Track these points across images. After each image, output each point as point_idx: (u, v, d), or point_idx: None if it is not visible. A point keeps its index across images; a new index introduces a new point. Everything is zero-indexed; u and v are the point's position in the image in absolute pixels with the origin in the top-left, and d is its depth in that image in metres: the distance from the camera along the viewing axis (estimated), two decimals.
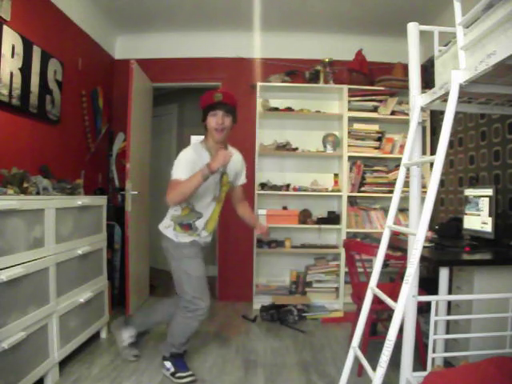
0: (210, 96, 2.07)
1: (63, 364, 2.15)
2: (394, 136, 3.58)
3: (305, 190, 3.58)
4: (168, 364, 2.17)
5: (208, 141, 2.16)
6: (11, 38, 2.24)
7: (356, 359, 1.55)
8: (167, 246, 2.21)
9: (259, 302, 3.43)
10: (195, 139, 4.22)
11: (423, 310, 2.25)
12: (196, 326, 2.14)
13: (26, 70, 2.40)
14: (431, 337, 1.63)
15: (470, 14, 1.25)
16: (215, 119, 2.05)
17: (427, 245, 2.26)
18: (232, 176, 2.26)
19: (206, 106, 2.09)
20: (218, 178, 2.15)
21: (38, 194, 2.10)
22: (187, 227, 2.18)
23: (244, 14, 3.40)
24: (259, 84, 3.55)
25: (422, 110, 1.57)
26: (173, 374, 2.13)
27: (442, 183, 3.31)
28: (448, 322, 2.02)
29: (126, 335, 2.35)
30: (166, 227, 2.21)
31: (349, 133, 3.53)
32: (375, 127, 3.60)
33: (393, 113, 3.54)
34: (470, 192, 2.54)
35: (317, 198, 3.68)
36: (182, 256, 2.17)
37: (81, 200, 2.33)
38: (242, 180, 2.36)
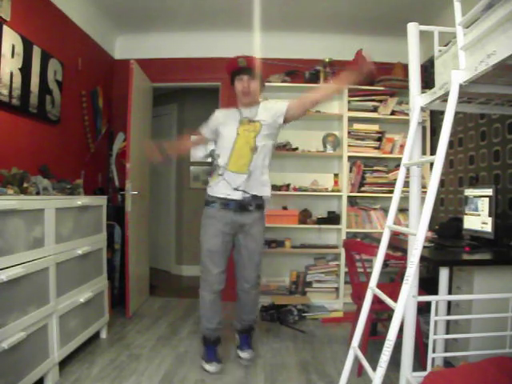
0: (234, 62, 2.16)
1: (63, 364, 2.15)
2: (394, 136, 3.58)
3: (305, 190, 3.58)
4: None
5: (239, 102, 2.29)
6: (11, 38, 2.24)
7: (356, 359, 1.55)
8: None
9: (259, 301, 3.43)
10: None
11: (423, 310, 2.25)
12: (206, 292, 2.26)
13: (25, 69, 2.40)
14: (431, 337, 1.63)
15: (470, 14, 1.25)
16: (241, 83, 2.16)
17: (427, 245, 2.26)
18: (269, 120, 2.24)
19: (231, 72, 2.20)
20: (235, 124, 2.22)
21: (37, 194, 2.10)
22: (212, 172, 2.28)
23: (244, 13, 3.39)
24: None
25: (422, 110, 1.57)
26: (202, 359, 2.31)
27: (442, 183, 3.30)
28: (448, 322, 2.02)
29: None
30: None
31: (349, 133, 3.53)
32: (375, 127, 3.60)
33: (393, 113, 3.54)
34: (469, 192, 2.54)
35: (317, 198, 3.68)
36: (203, 222, 2.27)
37: (81, 200, 2.33)
38: (284, 106, 2.27)
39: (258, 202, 2.26)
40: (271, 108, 2.28)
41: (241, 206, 2.21)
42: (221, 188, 2.21)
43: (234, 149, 2.20)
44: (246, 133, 2.21)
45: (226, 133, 2.24)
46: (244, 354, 2.41)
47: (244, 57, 2.15)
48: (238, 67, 2.14)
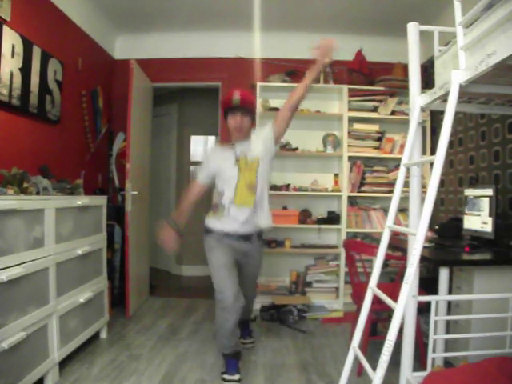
0: (229, 99, 2.21)
1: (63, 364, 2.15)
2: (393, 136, 3.58)
3: (305, 190, 3.58)
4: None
5: (232, 137, 2.30)
6: (11, 38, 2.24)
7: (356, 359, 1.55)
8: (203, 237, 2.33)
9: (259, 302, 3.43)
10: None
11: (423, 310, 2.25)
12: (226, 317, 2.08)
13: (26, 69, 2.40)
14: (431, 337, 1.63)
15: (470, 13, 1.26)
16: (234, 120, 2.20)
17: (427, 245, 2.26)
18: (263, 151, 2.25)
19: (225, 108, 2.26)
20: (233, 162, 2.22)
21: (38, 193, 2.10)
22: (215, 208, 2.31)
23: (244, 14, 3.39)
24: (259, 84, 3.55)
25: (422, 110, 1.57)
26: (222, 373, 2.16)
27: (441, 183, 3.30)
28: (448, 322, 2.02)
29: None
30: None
31: (349, 133, 3.53)
32: (375, 127, 3.60)
33: (393, 113, 3.54)
34: (469, 192, 2.54)
35: (317, 198, 3.68)
36: (208, 246, 2.27)
37: (81, 200, 2.33)
38: (270, 132, 2.28)
39: (260, 233, 2.35)
40: (260, 137, 2.29)
41: (244, 237, 2.26)
42: (227, 224, 2.22)
43: (237, 188, 2.20)
44: (246, 173, 2.22)
45: (226, 173, 2.24)
46: (247, 340, 2.65)
47: (239, 94, 2.18)
48: (232, 105, 2.19)
